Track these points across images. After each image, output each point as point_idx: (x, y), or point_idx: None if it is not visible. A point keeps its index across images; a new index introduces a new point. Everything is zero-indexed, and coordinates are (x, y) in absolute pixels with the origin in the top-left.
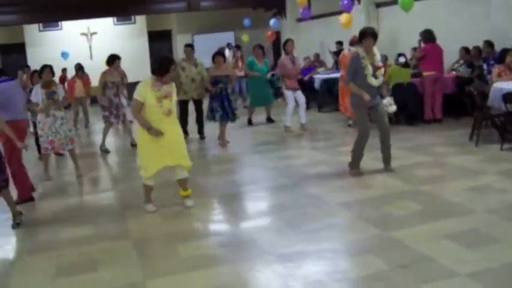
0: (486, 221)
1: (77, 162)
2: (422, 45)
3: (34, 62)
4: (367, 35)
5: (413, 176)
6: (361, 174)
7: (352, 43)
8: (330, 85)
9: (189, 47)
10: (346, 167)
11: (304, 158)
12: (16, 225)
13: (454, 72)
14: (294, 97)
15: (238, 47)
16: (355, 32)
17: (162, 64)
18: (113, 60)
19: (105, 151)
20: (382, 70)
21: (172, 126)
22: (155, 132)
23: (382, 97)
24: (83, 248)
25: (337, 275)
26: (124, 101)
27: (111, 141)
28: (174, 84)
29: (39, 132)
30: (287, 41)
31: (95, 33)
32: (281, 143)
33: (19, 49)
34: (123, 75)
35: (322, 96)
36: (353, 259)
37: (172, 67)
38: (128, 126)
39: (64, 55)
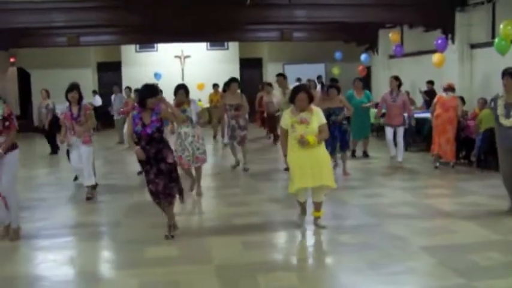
0: None
1: (199, 180)
2: None
3: (128, 81)
4: (505, 74)
5: (502, 225)
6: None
7: (445, 89)
8: (419, 124)
9: (281, 76)
10: (431, 209)
11: (389, 197)
12: (171, 237)
13: None
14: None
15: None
16: (439, 76)
17: (291, 93)
18: (229, 83)
19: (246, 169)
20: None
21: (310, 150)
22: (286, 161)
23: None
24: (166, 269)
25: None
26: (243, 123)
27: (217, 163)
28: (317, 111)
29: (172, 147)
30: (391, 78)
31: (188, 56)
32: (367, 180)
33: (115, 67)
34: (243, 99)
35: (411, 135)
36: None
37: (297, 96)
38: (244, 149)
39: (157, 76)
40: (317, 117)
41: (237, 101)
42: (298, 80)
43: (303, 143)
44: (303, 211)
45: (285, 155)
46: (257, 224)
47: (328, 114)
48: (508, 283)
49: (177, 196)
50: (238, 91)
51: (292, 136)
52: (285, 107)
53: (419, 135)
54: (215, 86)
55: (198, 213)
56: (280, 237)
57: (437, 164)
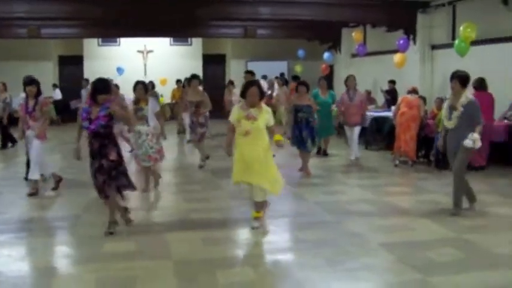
0: None
1: (155, 177)
2: (473, 92)
3: (90, 75)
4: (453, 78)
5: (457, 223)
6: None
7: (409, 92)
8: (380, 123)
9: (249, 73)
10: (390, 207)
11: (348, 195)
12: (109, 233)
13: (506, 121)
14: (349, 133)
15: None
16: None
17: (242, 88)
18: (190, 80)
19: (203, 161)
20: (459, 112)
21: (251, 147)
22: (227, 152)
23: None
24: (124, 264)
25: None
26: (202, 120)
27: (177, 159)
28: (265, 108)
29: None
30: (348, 76)
31: (151, 51)
32: (327, 177)
33: (77, 61)
34: (204, 96)
35: (371, 134)
36: None
37: (248, 91)
38: (201, 145)
39: (119, 71)
40: (265, 115)
41: (197, 97)
42: (264, 77)
43: (280, 146)
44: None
45: (227, 150)
46: (217, 220)
47: (296, 111)
48: (463, 278)
49: (121, 193)
50: (200, 88)
51: (237, 131)
52: None
53: (379, 134)
54: (178, 81)
55: (158, 209)
56: (240, 234)
57: (397, 162)
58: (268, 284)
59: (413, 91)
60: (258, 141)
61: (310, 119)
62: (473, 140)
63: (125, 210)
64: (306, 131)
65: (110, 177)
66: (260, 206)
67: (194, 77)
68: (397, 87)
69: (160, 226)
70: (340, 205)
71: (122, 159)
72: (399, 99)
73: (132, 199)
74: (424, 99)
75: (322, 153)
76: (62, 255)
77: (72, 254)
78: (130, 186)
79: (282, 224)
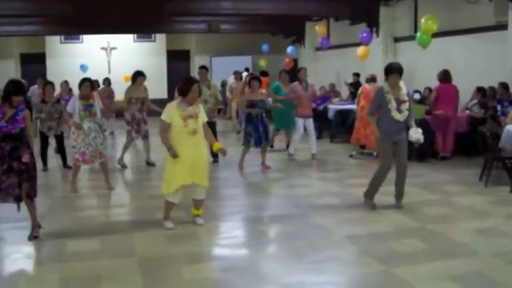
0: (491, 264)
1: (107, 175)
2: (437, 84)
3: (53, 73)
4: (393, 71)
5: (421, 213)
6: (374, 206)
7: (368, 80)
8: (344, 116)
9: (203, 68)
10: (354, 199)
11: (313, 188)
12: (33, 237)
13: (468, 112)
14: (304, 125)
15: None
16: (363, 68)
17: (183, 85)
18: (134, 77)
19: (122, 166)
20: (407, 104)
21: (196, 146)
22: (173, 153)
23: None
24: (88, 263)
25: None
26: (145, 116)
27: (130, 157)
28: (200, 106)
29: (73, 143)
30: (300, 68)
31: (114, 48)
32: (291, 171)
33: (39, 59)
34: (147, 93)
35: (336, 127)
36: None
37: (192, 87)
38: (147, 143)
39: (83, 68)
40: (202, 113)
41: (142, 94)
42: (247, 69)
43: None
44: (169, 214)
45: (170, 148)
46: (180, 216)
47: (251, 106)
48: (426, 268)
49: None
50: (145, 84)
51: (183, 131)
52: (209, 100)
53: (343, 127)
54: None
55: (120, 207)
56: (204, 229)
57: (353, 153)
58: (233, 278)
59: (372, 79)
60: (202, 140)
61: (264, 114)
62: (419, 133)
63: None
64: (261, 128)
65: (22, 179)
66: (201, 203)
67: (139, 73)
68: (361, 79)
69: (124, 224)
70: (304, 198)
71: (34, 163)
72: (359, 90)
73: (95, 197)
74: None
75: (286, 147)
76: (25, 255)
77: (35, 254)
78: (35, 194)
79: (246, 218)
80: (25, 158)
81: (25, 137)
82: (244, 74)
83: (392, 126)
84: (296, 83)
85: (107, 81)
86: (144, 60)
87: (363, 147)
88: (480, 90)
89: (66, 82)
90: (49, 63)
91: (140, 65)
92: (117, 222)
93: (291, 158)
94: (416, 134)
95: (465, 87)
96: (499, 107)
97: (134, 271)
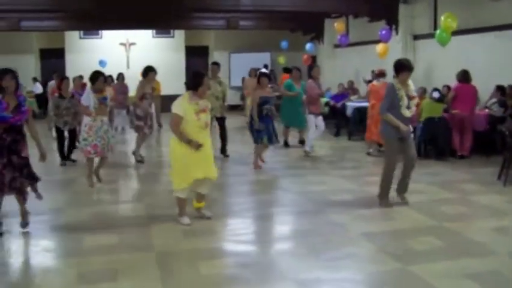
0: (508, 263)
1: (101, 168)
2: (456, 83)
3: (72, 68)
4: (405, 68)
5: (438, 211)
6: (391, 205)
7: (377, 75)
8: (362, 113)
9: (216, 65)
10: (371, 196)
11: (330, 185)
12: (25, 224)
13: (487, 110)
14: (315, 122)
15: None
16: (383, 66)
17: (194, 78)
18: (146, 72)
19: (139, 161)
20: (416, 100)
21: (207, 140)
22: (196, 145)
23: None
24: (106, 257)
25: None
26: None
27: (144, 152)
28: (206, 100)
29: (84, 135)
30: (314, 67)
31: (133, 43)
32: (308, 168)
33: (58, 54)
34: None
35: (353, 124)
36: None
37: (203, 81)
38: (142, 138)
39: (102, 63)
40: (210, 106)
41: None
42: (266, 66)
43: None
44: (184, 209)
45: (189, 140)
46: (195, 212)
47: (263, 102)
48: (442, 266)
49: (34, 192)
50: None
51: (195, 125)
52: (220, 96)
53: (362, 124)
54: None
55: (137, 201)
56: (220, 225)
57: (370, 151)
58: (249, 274)
59: (380, 74)
60: (208, 134)
61: (274, 111)
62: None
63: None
64: (271, 124)
65: (22, 175)
66: (204, 197)
67: (151, 69)
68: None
69: (141, 218)
70: (320, 195)
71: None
72: (368, 87)
73: (112, 192)
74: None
75: (299, 142)
76: (43, 250)
77: (53, 248)
78: (35, 188)
79: (262, 214)
80: (24, 153)
81: (24, 129)
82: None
83: (404, 122)
84: (311, 81)
85: (121, 76)
86: (162, 56)
87: (380, 145)
88: (500, 88)
89: (80, 77)
90: (68, 58)
91: (159, 60)
92: (134, 217)
93: (307, 155)
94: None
95: (484, 86)
96: None
97: (151, 266)
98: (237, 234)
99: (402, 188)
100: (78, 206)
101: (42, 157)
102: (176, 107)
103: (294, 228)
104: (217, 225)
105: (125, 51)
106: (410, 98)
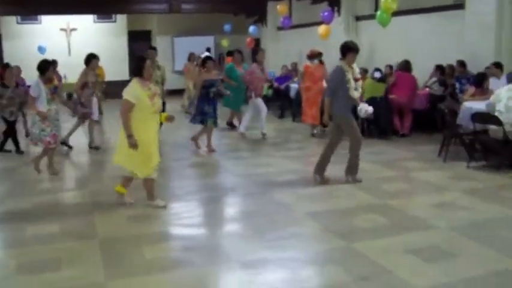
0: (447, 237)
1: (52, 157)
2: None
3: (10, 55)
4: (352, 50)
5: (381, 189)
6: (360, 180)
7: (310, 57)
8: None
9: (153, 49)
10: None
11: (275, 167)
12: None
13: (427, 89)
14: (258, 105)
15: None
16: (325, 47)
17: (135, 64)
18: (89, 60)
19: (95, 148)
20: (361, 82)
21: (158, 124)
22: (133, 143)
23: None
24: (48, 246)
25: (297, 283)
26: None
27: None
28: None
29: (42, 126)
30: (258, 50)
31: (74, 29)
32: (253, 150)
33: None
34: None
35: (297, 106)
36: (315, 269)
37: (145, 64)
38: (92, 125)
39: (41, 50)
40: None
41: (95, 78)
42: (208, 50)
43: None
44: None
45: (130, 136)
46: (141, 197)
47: (208, 85)
48: (385, 242)
49: None
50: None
51: (150, 110)
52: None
53: None
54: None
55: (81, 189)
56: (164, 210)
57: (315, 132)
58: (194, 257)
59: (313, 55)
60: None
61: (221, 93)
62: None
63: None
64: (215, 106)
65: None
66: (130, 181)
67: (94, 56)
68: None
69: (85, 206)
70: (266, 177)
71: None
72: (302, 69)
73: (56, 181)
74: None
75: (229, 124)
76: None
77: None
78: None
79: (207, 198)
80: None
81: None
82: (205, 54)
83: (348, 103)
84: (254, 65)
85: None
86: (105, 41)
87: (324, 126)
88: (439, 68)
89: (17, 67)
90: (5, 44)
91: (101, 46)
92: (78, 205)
93: (243, 137)
94: (363, 109)
95: (425, 65)
96: (457, 85)
97: (95, 253)
98: (182, 218)
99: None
100: (19, 196)
101: None
102: (128, 94)
103: (239, 210)
104: (161, 210)
105: (65, 36)
106: (355, 80)
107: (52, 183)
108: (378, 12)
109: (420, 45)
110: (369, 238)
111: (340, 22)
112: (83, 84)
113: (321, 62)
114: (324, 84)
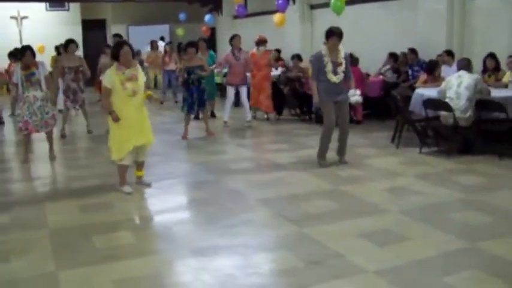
0: (399, 221)
1: (51, 145)
2: None
3: None
4: (333, 35)
5: (334, 175)
6: (328, 165)
7: (257, 43)
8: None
9: (117, 36)
10: (270, 164)
11: (230, 154)
12: None
13: (381, 77)
14: (235, 93)
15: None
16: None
17: (113, 49)
18: (67, 45)
19: (62, 136)
20: (343, 67)
21: (138, 108)
22: (115, 117)
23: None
24: None
25: (249, 269)
26: (82, 85)
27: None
28: (139, 67)
29: (18, 111)
30: (234, 36)
31: (25, 17)
32: (209, 138)
33: None
34: (82, 61)
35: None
36: (267, 254)
37: (121, 50)
38: (85, 110)
39: None
40: (141, 74)
41: (75, 63)
42: (162, 38)
43: (152, 99)
44: (124, 178)
45: (111, 112)
46: (95, 186)
47: (187, 73)
48: (336, 227)
49: None
50: (77, 53)
51: (122, 94)
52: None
53: None
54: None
55: (36, 179)
56: (117, 199)
57: (252, 116)
58: (147, 244)
59: (261, 42)
60: (141, 101)
61: (202, 80)
62: (357, 94)
63: None
64: (196, 94)
65: None
66: (143, 164)
67: (71, 41)
68: (280, 47)
69: (37, 196)
70: (220, 164)
71: None
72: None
73: (12, 170)
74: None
75: (211, 115)
76: None
77: None
78: None
79: (162, 186)
80: None
81: None
82: (160, 43)
83: (330, 88)
84: (228, 52)
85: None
86: (58, 30)
87: (279, 113)
88: (392, 55)
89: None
90: None
91: (54, 35)
92: (30, 195)
93: (226, 126)
94: (354, 96)
95: (378, 53)
96: (410, 72)
97: (45, 243)
98: (133, 206)
99: (340, 151)
100: None
101: None
102: (105, 79)
103: (192, 198)
104: (114, 199)
105: (16, 25)
106: (337, 64)
107: (6, 173)
108: (332, 1)
109: (374, 33)
110: (321, 223)
111: (295, 10)
112: (61, 71)
113: (267, 50)
114: (268, 71)
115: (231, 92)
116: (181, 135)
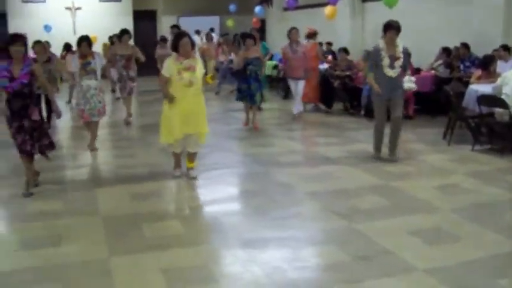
0: (450, 219)
1: (94, 134)
2: None
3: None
4: (392, 28)
5: (384, 171)
6: (380, 158)
7: (308, 36)
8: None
9: (176, 28)
10: (318, 157)
11: (279, 147)
12: (29, 194)
13: (433, 71)
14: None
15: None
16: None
17: (172, 41)
18: (121, 34)
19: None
20: (401, 61)
21: (193, 97)
22: (170, 98)
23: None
24: (49, 223)
25: (297, 262)
26: (133, 74)
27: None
28: (199, 58)
29: (73, 100)
30: (292, 29)
31: (79, 8)
32: (260, 130)
33: (0, 20)
34: (135, 49)
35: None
36: (315, 248)
37: (181, 42)
38: (130, 100)
39: (47, 28)
40: (200, 65)
41: (128, 51)
42: (197, 32)
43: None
44: (178, 163)
45: (167, 94)
46: (145, 175)
47: (245, 64)
48: (386, 223)
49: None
50: (130, 42)
51: (179, 83)
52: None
53: None
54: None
55: (86, 166)
56: (167, 188)
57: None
58: (196, 235)
59: (310, 35)
60: (199, 91)
61: (258, 72)
62: (412, 81)
63: (36, 173)
64: (255, 84)
65: (32, 138)
66: (195, 156)
67: (125, 31)
68: (330, 39)
69: (88, 183)
70: (269, 157)
71: (43, 119)
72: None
73: (65, 158)
74: (346, 50)
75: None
76: None
77: None
78: (52, 146)
79: (211, 176)
80: (35, 116)
81: (33, 93)
82: (213, 34)
83: (385, 83)
84: (286, 45)
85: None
86: (110, 21)
87: (329, 106)
88: (445, 50)
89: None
90: (11, 23)
91: (106, 25)
92: (82, 181)
93: (295, 118)
94: (408, 82)
95: (431, 47)
96: (461, 67)
97: (96, 230)
98: (184, 196)
99: (391, 146)
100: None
101: (57, 115)
102: (163, 68)
103: (241, 189)
104: (164, 188)
105: (70, 16)
106: (395, 58)
107: (59, 161)
108: None
109: (426, 28)
110: (370, 219)
111: (346, 3)
112: (111, 58)
113: (316, 43)
114: (315, 63)
115: (292, 85)
116: (243, 122)
